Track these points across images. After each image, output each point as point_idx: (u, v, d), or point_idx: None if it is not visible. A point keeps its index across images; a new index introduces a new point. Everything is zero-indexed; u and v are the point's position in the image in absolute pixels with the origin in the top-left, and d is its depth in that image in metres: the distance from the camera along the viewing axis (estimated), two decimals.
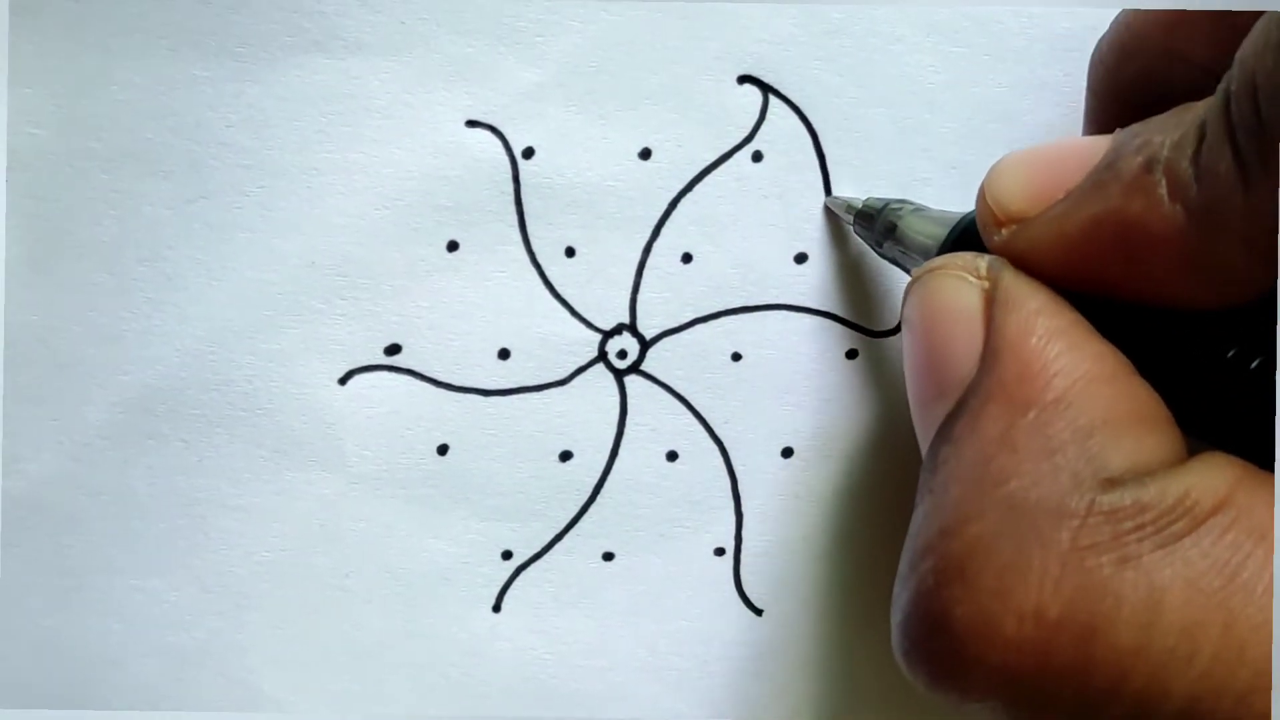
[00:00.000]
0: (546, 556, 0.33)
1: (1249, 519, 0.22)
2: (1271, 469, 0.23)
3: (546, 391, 0.33)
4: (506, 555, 0.33)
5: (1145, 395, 0.24)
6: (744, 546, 0.34)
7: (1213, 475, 0.22)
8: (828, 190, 0.33)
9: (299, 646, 0.33)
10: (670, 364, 0.33)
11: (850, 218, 0.32)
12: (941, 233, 0.29)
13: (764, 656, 0.34)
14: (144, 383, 0.31)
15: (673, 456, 0.33)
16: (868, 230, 0.32)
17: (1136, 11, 0.29)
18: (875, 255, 0.33)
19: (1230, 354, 0.24)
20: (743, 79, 0.32)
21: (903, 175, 0.33)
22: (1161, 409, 0.24)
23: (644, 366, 0.33)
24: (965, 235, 0.28)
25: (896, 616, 0.24)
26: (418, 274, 0.32)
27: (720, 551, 0.34)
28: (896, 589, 0.24)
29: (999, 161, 0.27)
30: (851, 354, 0.34)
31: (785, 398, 0.34)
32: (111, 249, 0.31)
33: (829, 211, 0.33)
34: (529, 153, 0.32)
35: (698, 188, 0.33)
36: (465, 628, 0.33)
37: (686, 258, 0.33)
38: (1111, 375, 0.23)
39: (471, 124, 0.32)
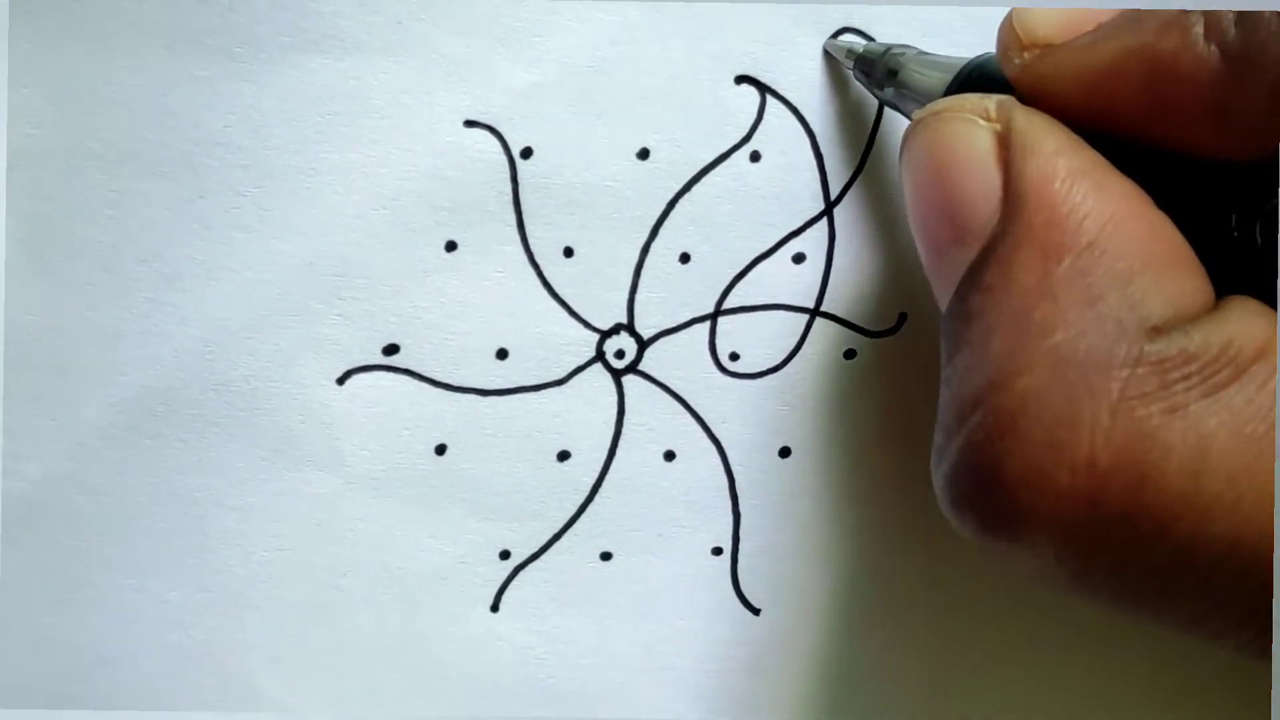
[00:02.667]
0: (544, 556, 0.33)
1: None
2: None
3: (544, 391, 0.33)
4: (504, 555, 0.33)
5: (1173, 234, 0.23)
6: (741, 546, 0.34)
7: (1250, 323, 0.22)
8: (826, 193, 0.33)
9: (297, 646, 0.33)
10: (668, 364, 0.33)
11: (850, 63, 0.32)
12: (946, 77, 0.28)
13: (761, 656, 0.34)
14: (142, 383, 0.31)
15: (670, 456, 0.33)
16: (868, 75, 0.31)
17: None
18: (873, 255, 0.33)
19: (1269, 207, 0.23)
20: (740, 79, 0.32)
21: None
22: (1188, 249, 0.23)
23: (642, 366, 0.33)
24: (974, 78, 0.28)
25: (943, 468, 0.25)
26: (416, 274, 0.32)
27: (718, 551, 0.34)
28: (939, 440, 0.25)
29: None
30: (849, 354, 0.34)
31: (783, 398, 0.34)
32: (110, 249, 0.31)
33: (828, 56, 0.33)
34: (527, 153, 0.32)
35: (696, 188, 0.33)
36: (463, 627, 0.33)
37: (684, 258, 0.33)
38: (1140, 213, 0.23)
39: (469, 124, 0.32)
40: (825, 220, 0.33)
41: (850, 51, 0.32)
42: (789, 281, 0.33)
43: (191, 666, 0.32)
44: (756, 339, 0.33)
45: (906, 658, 0.34)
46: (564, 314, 0.33)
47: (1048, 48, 0.25)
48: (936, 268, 0.26)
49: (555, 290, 0.33)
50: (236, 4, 0.30)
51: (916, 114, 0.27)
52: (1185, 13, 0.23)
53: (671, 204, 0.33)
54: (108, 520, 0.32)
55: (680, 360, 0.33)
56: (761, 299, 0.33)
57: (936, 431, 0.25)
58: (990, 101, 0.25)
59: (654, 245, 0.33)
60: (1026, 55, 0.26)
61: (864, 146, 0.33)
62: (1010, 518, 0.23)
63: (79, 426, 0.31)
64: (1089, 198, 0.23)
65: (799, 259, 0.33)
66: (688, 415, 0.33)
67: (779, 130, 0.33)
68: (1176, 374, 0.22)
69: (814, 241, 0.33)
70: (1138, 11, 0.24)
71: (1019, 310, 0.23)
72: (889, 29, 0.33)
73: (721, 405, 0.33)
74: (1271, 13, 0.22)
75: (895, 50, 0.31)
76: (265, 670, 0.33)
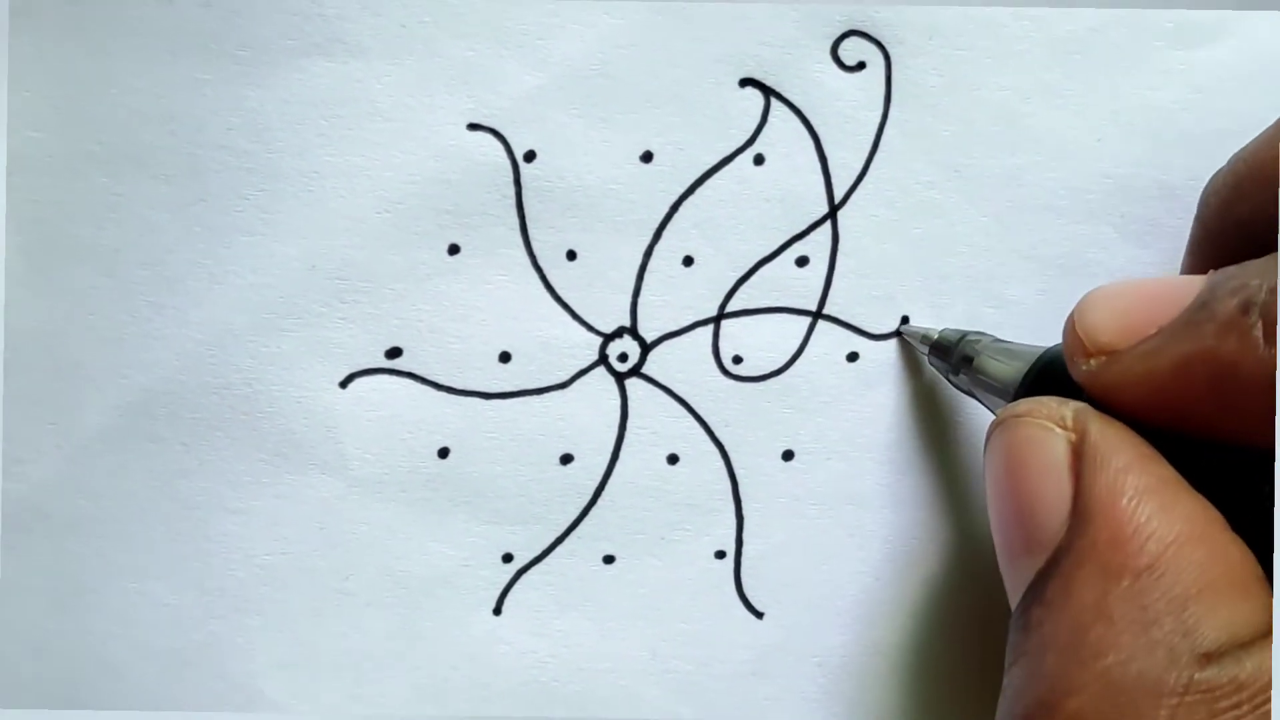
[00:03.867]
0: (547, 559, 0.33)
1: None
2: None
3: (547, 394, 0.33)
4: (507, 558, 0.33)
5: (1238, 555, 0.24)
6: (745, 549, 0.34)
7: None
8: (830, 196, 0.33)
9: (299, 649, 0.33)
10: (671, 367, 0.33)
11: (925, 348, 0.33)
12: (1021, 367, 0.29)
13: (765, 659, 0.34)
14: (144, 386, 0.31)
15: (673, 459, 0.33)
16: (943, 361, 0.32)
17: (1256, 149, 0.29)
18: (877, 259, 0.33)
19: None
20: (744, 82, 0.32)
21: (904, 179, 0.33)
22: (1253, 568, 0.24)
23: (645, 369, 0.33)
24: (1047, 370, 0.28)
25: None
26: (419, 277, 0.32)
27: (721, 554, 0.34)
28: None
29: (1089, 294, 0.27)
30: (852, 357, 0.34)
31: (786, 400, 0.33)
32: (111, 252, 0.31)
33: (902, 339, 0.33)
34: (530, 156, 0.32)
35: (699, 191, 0.33)
36: (466, 630, 0.33)
37: (688, 261, 0.33)
38: (1202, 535, 0.23)
39: (473, 127, 0.32)
40: (829, 223, 0.33)
41: (925, 337, 0.33)
42: (792, 285, 0.33)
43: (193, 670, 0.32)
44: (759, 342, 0.33)
45: (908, 661, 0.34)
46: (567, 317, 0.33)
47: (1112, 354, 0.26)
48: (1007, 572, 0.27)
49: (558, 293, 0.33)
50: (239, 7, 0.30)
51: (998, 414, 0.27)
52: (1244, 314, 0.23)
53: (675, 207, 0.33)
54: (109, 523, 0.32)
55: (683, 363, 0.33)
56: (765, 302, 0.33)
57: None
58: (1069, 409, 0.26)
59: (657, 248, 0.33)
60: (1092, 362, 0.26)
61: (869, 150, 0.33)
62: None
63: (80, 430, 0.31)
64: (1154, 518, 0.23)
65: (802, 262, 0.33)
66: (691, 418, 0.33)
67: (783, 133, 0.33)
68: (1226, 702, 0.22)
69: (817, 245, 0.33)
70: (1197, 314, 0.24)
71: (1075, 628, 0.23)
72: (894, 30, 0.32)
73: (724, 408, 0.33)
74: None
75: (971, 337, 0.32)
76: (267, 674, 0.33)
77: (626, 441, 0.33)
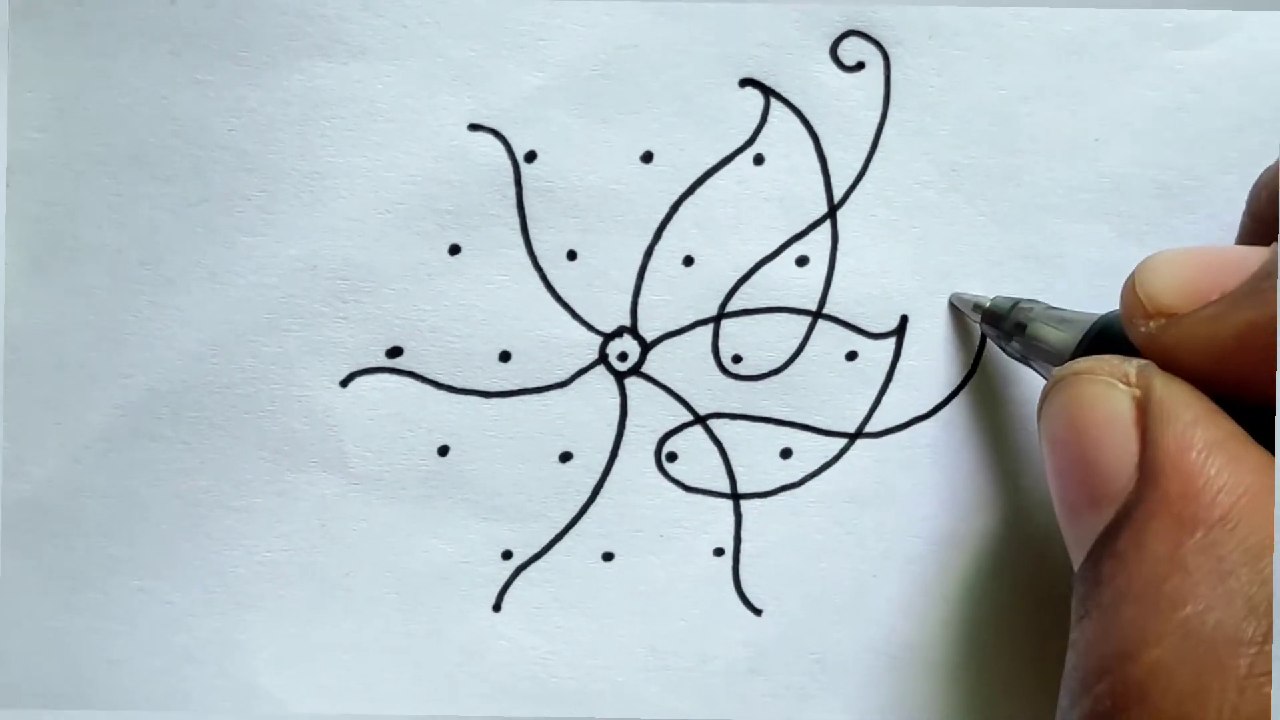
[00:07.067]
0: (546, 556, 0.33)
1: None
2: None
3: (547, 393, 0.33)
4: (507, 555, 0.33)
5: None
6: (743, 547, 0.34)
7: None
8: (829, 196, 0.33)
9: (300, 646, 0.33)
10: (671, 366, 0.33)
11: (977, 316, 0.33)
12: (1075, 333, 0.29)
13: (763, 656, 0.34)
14: (146, 385, 0.31)
15: (672, 458, 0.34)
16: (995, 328, 0.32)
17: None
18: (876, 258, 0.33)
19: None
20: (744, 82, 0.32)
21: (903, 178, 0.33)
22: None
23: (644, 368, 0.33)
24: (1103, 335, 0.28)
25: None
26: (419, 277, 0.32)
27: (719, 552, 0.34)
28: (1063, 702, 0.25)
29: (1150, 258, 0.27)
30: (851, 356, 0.34)
31: (785, 399, 0.34)
32: (113, 252, 0.31)
33: (954, 308, 0.34)
34: (531, 156, 0.32)
35: (699, 191, 0.33)
36: (465, 627, 0.33)
37: (688, 260, 0.33)
38: (1271, 487, 0.23)
39: (474, 128, 0.32)
40: (828, 223, 0.33)
41: (977, 305, 0.33)
42: (792, 284, 0.33)
43: (195, 667, 0.33)
44: (759, 341, 0.33)
45: (906, 657, 0.34)
46: (567, 317, 0.33)
47: (1173, 317, 0.26)
48: (1070, 527, 0.26)
49: (559, 293, 0.33)
50: (241, 8, 0.30)
51: (1057, 372, 0.27)
52: None
53: (675, 207, 0.33)
54: (111, 522, 0.32)
55: (683, 362, 0.33)
56: (764, 302, 0.33)
57: (1061, 694, 0.25)
58: (1131, 366, 0.26)
59: (657, 248, 0.33)
60: (1152, 325, 0.26)
61: (868, 150, 0.33)
62: None
63: (82, 429, 0.31)
64: (1224, 470, 0.24)
65: (802, 262, 0.33)
66: (690, 417, 0.34)
67: (782, 133, 0.33)
68: None
69: (817, 244, 0.33)
70: (1262, 283, 0.24)
71: (1150, 580, 0.23)
72: (893, 30, 0.33)
73: (724, 407, 0.34)
74: None
75: (1024, 304, 0.32)
76: (268, 670, 0.33)
77: (625, 439, 0.33)
